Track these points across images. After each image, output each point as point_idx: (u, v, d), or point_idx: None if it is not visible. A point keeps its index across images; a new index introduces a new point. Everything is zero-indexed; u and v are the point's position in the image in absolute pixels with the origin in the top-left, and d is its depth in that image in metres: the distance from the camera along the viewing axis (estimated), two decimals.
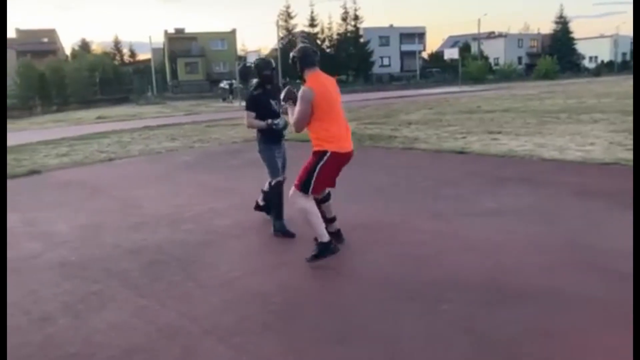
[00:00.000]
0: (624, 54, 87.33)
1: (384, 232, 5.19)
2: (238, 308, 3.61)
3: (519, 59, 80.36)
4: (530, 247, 4.56)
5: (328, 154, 4.29)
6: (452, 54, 56.66)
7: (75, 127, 22.12)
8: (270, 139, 5.28)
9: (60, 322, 3.50)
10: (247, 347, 3.08)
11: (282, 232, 5.19)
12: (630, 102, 19.90)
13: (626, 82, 41.50)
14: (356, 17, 68.55)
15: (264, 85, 5.27)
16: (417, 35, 75.13)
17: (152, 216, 6.17)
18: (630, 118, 13.90)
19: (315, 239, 4.40)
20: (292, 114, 4.37)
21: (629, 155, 8.44)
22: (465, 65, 58.06)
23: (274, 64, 5.40)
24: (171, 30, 66.22)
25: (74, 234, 5.62)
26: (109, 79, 54.50)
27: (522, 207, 5.87)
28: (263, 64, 5.33)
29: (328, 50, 67.87)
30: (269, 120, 5.15)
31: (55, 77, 49.60)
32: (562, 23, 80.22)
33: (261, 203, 5.79)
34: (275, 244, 5.06)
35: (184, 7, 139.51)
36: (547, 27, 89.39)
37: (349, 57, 65.52)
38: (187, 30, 67.06)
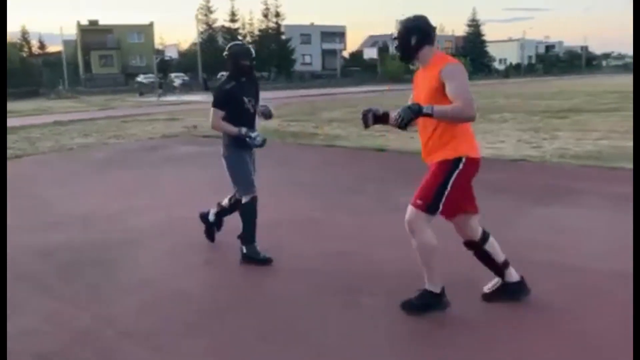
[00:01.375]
0: (529, 57, 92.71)
1: (309, 227, 5.23)
2: (158, 309, 3.52)
3: None
4: (450, 240, 4.73)
5: (464, 160, 3.22)
6: (371, 53, 57.83)
7: None
8: (242, 143, 4.21)
9: None
10: (167, 349, 3.00)
11: (257, 260, 4.26)
12: (537, 102, 21.18)
13: (532, 84, 44.16)
14: (277, 14, 68.42)
15: (238, 78, 4.27)
16: (338, 34, 76.13)
17: (66, 216, 5.87)
18: (536, 118, 14.79)
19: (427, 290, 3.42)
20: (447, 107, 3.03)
21: (536, 152, 8.99)
22: (385, 64, 59.49)
23: (254, 53, 4.31)
24: (84, 22, 63.23)
25: None
26: (16, 71, 51.20)
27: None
28: (241, 50, 4.29)
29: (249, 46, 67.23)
30: (244, 130, 4.14)
31: None
32: (475, 26, 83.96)
33: (211, 218, 4.75)
34: (198, 243, 4.94)
35: None
36: (460, 29, 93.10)
37: (270, 53, 65.25)
38: (101, 22, 64.25)
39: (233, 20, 67.12)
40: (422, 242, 3.32)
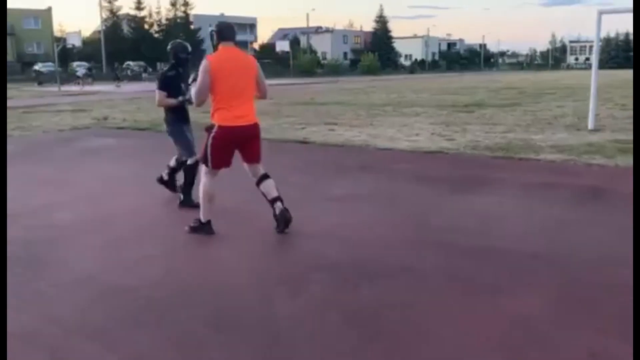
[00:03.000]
0: (433, 54, 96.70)
1: (240, 219, 5.26)
2: (102, 305, 3.43)
3: (345, 54, 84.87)
4: (378, 229, 4.96)
5: (216, 128, 4.51)
6: (283, 46, 57.91)
7: None
8: (180, 118, 5.56)
9: None
10: (119, 344, 2.95)
11: (190, 205, 5.43)
12: (443, 97, 22.23)
13: (436, 80, 46.12)
14: (186, 3, 66.89)
15: (177, 68, 5.49)
16: (249, 26, 75.54)
17: None
18: (445, 112, 15.56)
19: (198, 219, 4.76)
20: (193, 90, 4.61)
21: (450, 144, 9.49)
22: (296, 58, 59.75)
23: (190, 49, 5.60)
24: None
25: None
26: None
27: (365, 192, 6.33)
28: (180, 47, 5.55)
29: (156, 35, 65.20)
30: (180, 98, 5.42)
31: None
32: (382, 22, 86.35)
33: (165, 177, 5.95)
34: (130, 238, 4.83)
35: None
36: (369, 25, 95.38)
37: None
38: None
39: (139, 8, 64.78)
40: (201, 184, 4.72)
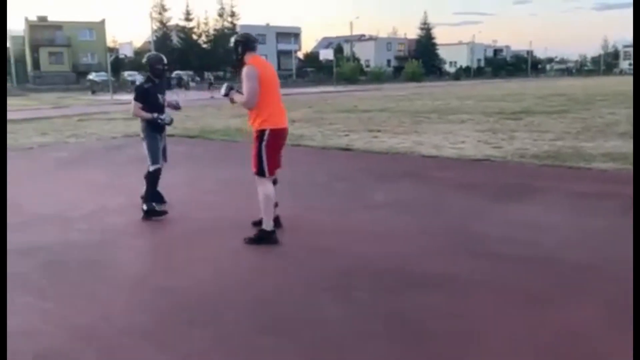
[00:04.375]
0: (478, 61, 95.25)
1: (290, 225, 5.32)
2: (154, 305, 3.55)
3: (388, 61, 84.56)
4: (424, 236, 4.95)
5: (268, 133, 4.57)
6: (327, 54, 58.17)
7: None
8: (154, 127, 5.61)
9: None
10: (171, 344, 3.05)
11: (156, 213, 5.56)
12: (489, 104, 21.88)
13: (482, 86, 45.40)
14: (233, 14, 68.17)
15: (153, 80, 5.60)
16: (293, 35, 76.28)
17: (37, 216, 5.77)
18: (491, 119, 15.32)
19: (257, 224, 4.79)
20: (241, 97, 4.61)
21: (496, 152, 9.35)
22: (340, 66, 59.94)
23: (165, 60, 5.69)
24: (33, 18, 61.06)
25: None
26: None
27: (409, 200, 6.31)
28: (155, 58, 5.65)
29: (205, 45, 66.64)
30: (156, 115, 5.50)
31: None
32: (426, 29, 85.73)
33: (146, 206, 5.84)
34: (178, 240, 4.98)
35: None
36: (412, 32, 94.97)
37: (226, 53, 64.62)
38: (50, 19, 62.19)
39: (188, 19, 66.40)
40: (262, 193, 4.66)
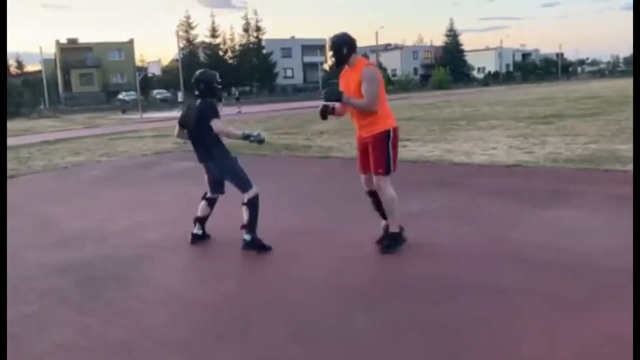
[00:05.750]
0: (507, 65, 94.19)
1: (320, 237, 5.31)
2: (188, 319, 3.57)
3: (415, 69, 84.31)
4: (457, 244, 4.87)
5: (392, 131, 4.52)
6: None
7: None
8: (227, 149, 4.97)
9: None
10: (205, 357, 3.06)
11: (260, 247, 4.82)
12: (520, 109, 21.58)
13: (512, 92, 44.84)
14: (258, 29, 68.87)
15: (215, 96, 5.11)
16: (319, 47, 76.66)
17: (74, 232, 5.89)
18: (522, 124, 15.09)
19: (393, 232, 4.68)
20: (360, 100, 4.43)
21: (528, 157, 9.19)
22: None
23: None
24: (63, 40, 62.89)
25: None
26: None
27: (442, 208, 6.23)
28: (212, 75, 5.07)
29: (231, 61, 67.54)
30: (247, 131, 4.86)
31: None
32: (453, 36, 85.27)
33: (198, 232, 5.28)
34: (211, 255, 5.02)
35: (76, 16, 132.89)
36: (439, 39, 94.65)
37: (252, 68, 65.52)
38: (80, 40, 63.96)
39: (214, 36, 67.44)
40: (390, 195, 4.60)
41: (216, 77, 5.04)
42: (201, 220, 5.28)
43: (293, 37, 76.72)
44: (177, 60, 61.56)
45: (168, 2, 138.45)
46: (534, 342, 3.02)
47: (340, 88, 4.58)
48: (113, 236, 5.69)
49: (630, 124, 13.54)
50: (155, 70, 40.22)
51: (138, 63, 65.33)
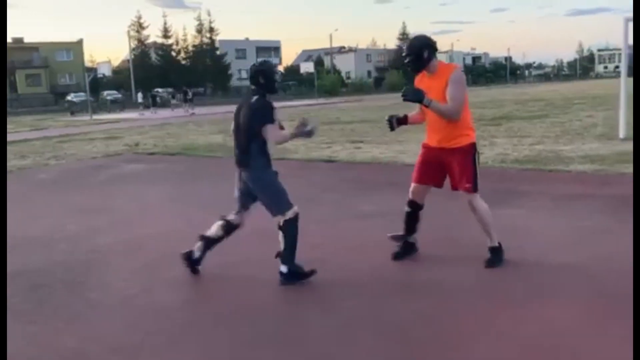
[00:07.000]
0: None
1: (275, 238, 5.31)
2: (141, 325, 3.53)
3: (368, 72, 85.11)
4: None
5: (475, 145, 4.19)
6: (307, 67, 58.51)
7: None
8: (270, 162, 4.12)
9: None
10: None
11: (302, 276, 4.13)
12: (470, 111, 22.10)
13: None
14: (211, 29, 68.18)
15: (274, 92, 4.24)
16: (273, 49, 76.62)
17: (22, 238, 5.69)
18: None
19: (493, 247, 4.33)
20: (444, 105, 4.00)
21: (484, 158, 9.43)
22: (321, 78, 60.23)
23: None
24: (8, 40, 60.57)
25: None
26: None
27: (395, 209, 6.32)
28: (273, 67, 4.31)
29: (184, 62, 66.62)
30: (301, 127, 4.12)
31: None
32: (405, 39, 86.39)
33: (197, 254, 4.34)
34: (166, 259, 4.94)
35: (21, 14, 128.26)
36: (392, 43, 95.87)
37: (206, 69, 64.80)
38: (26, 40, 61.79)
39: (166, 36, 66.36)
40: (483, 210, 4.29)
41: (277, 70, 4.34)
42: (208, 243, 4.34)
43: (247, 39, 76.32)
44: (128, 60, 60.35)
45: (119, 2, 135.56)
46: (478, 338, 3.13)
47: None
48: (62, 242, 5.54)
49: (574, 125, 14.10)
50: (105, 71, 39.33)
51: (88, 63, 63.64)
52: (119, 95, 52.23)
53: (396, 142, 12.66)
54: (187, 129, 20.19)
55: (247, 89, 4.34)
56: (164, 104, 46.81)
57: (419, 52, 4.07)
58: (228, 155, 11.69)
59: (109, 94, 51.05)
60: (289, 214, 4.10)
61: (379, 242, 5.04)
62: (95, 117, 32.92)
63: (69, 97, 49.11)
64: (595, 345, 2.95)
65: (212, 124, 22.00)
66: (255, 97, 4.08)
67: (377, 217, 5.98)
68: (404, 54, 4.21)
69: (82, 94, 47.24)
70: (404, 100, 4.00)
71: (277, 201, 4.13)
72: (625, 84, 10.99)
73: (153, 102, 38.82)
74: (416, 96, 3.96)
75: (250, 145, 4.06)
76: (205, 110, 34.68)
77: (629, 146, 9.75)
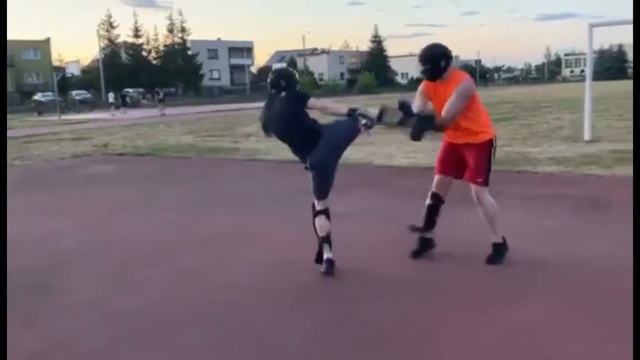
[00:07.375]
0: None
1: (247, 240, 5.29)
2: (106, 329, 3.46)
3: (341, 74, 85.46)
4: (379, 244, 5.01)
5: (494, 140, 4.39)
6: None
7: None
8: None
9: None
10: None
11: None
12: None
13: None
14: (183, 29, 67.56)
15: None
16: (246, 50, 76.28)
17: None
18: None
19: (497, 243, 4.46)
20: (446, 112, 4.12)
21: None
22: None
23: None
24: None
25: None
26: None
27: (366, 209, 6.38)
28: (296, 73, 4.66)
29: (155, 61, 65.84)
30: (359, 108, 4.31)
31: None
32: (377, 42, 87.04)
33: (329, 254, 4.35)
34: (133, 262, 4.87)
35: None
36: (364, 45, 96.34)
37: (177, 69, 64.16)
38: None
39: (137, 36, 65.49)
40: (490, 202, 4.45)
41: (297, 74, 4.56)
42: (328, 239, 4.42)
43: (219, 39, 75.80)
44: (97, 60, 59.34)
45: (88, 0, 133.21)
46: (449, 338, 3.16)
47: (429, 104, 4.32)
48: (28, 244, 5.41)
49: (541, 128, 14.38)
50: (74, 71, 38.60)
51: (56, 63, 62.29)
52: (89, 95, 51.38)
53: (368, 143, 12.71)
54: (157, 129, 19.94)
55: (268, 93, 4.49)
56: (134, 104, 46.21)
57: (437, 60, 4.12)
58: (198, 155, 11.67)
59: (77, 94, 50.17)
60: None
61: (348, 241, 5.05)
62: (63, 117, 32.29)
63: (35, 97, 48.10)
64: (562, 344, 3.00)
65: (182, 124, 21.80)
66: (284, 93, 4.25)
67: (352, 216, 5.99)
68: (420, 62, 4.17)
69: (49, 93, 46.31)
70: (415, 141, 4.34)
71: (331, 183, 4.59)
72: (590, 88, 11.25)
73: (123, 102, 38.33)
74: (427, 125, 4.19)
75: (305, 129, 4.27)
76: (176, 110, 34.33)
77: (594, 148, 10.00)
